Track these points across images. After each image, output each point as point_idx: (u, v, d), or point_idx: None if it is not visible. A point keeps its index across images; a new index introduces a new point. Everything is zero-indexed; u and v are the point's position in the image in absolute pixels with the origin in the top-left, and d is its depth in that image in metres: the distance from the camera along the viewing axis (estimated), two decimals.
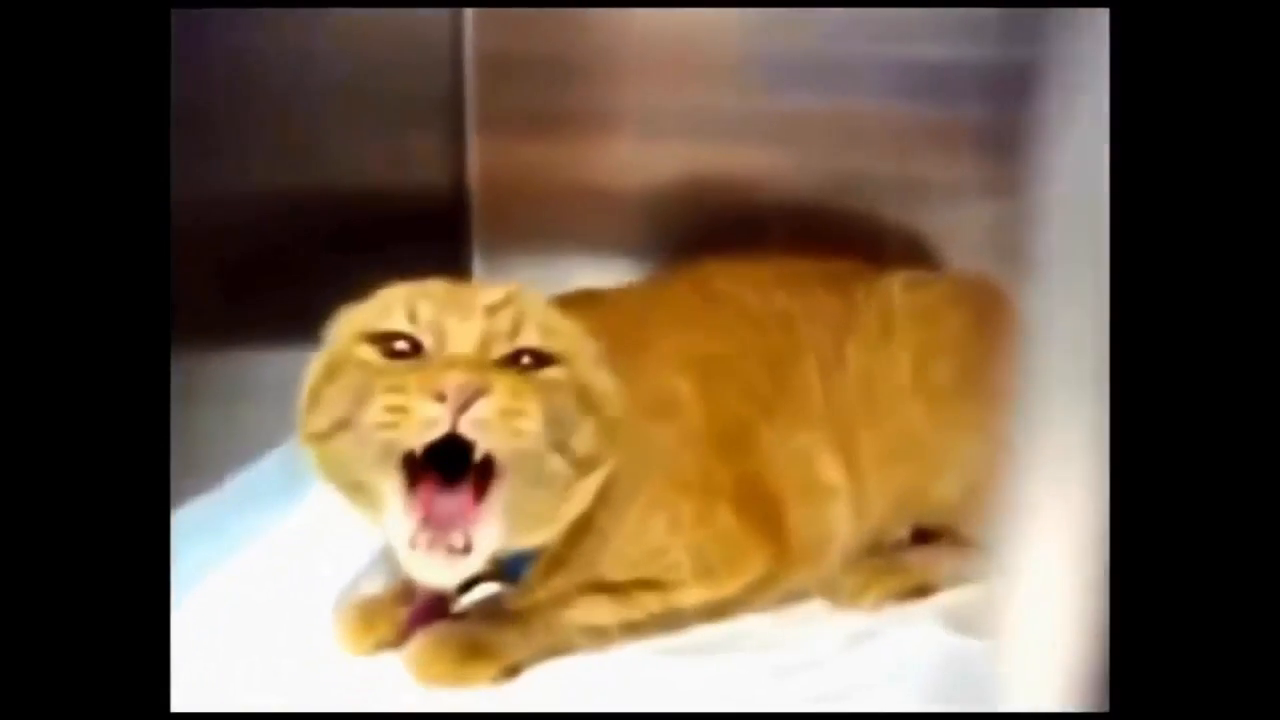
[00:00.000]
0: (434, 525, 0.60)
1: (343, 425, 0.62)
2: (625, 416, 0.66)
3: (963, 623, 0.73)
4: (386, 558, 0.76)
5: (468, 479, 0.60)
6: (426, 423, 0.58)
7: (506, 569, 0.69)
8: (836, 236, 1.05)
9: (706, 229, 1.07)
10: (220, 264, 0.80)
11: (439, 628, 0.69)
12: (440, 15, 1.07)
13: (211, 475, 0.80)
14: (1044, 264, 0.49)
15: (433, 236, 1.10)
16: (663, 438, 0.72)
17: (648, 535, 0.70)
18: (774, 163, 1.06)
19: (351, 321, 0.65)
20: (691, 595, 0.72)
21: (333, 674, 0.69)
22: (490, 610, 0.70)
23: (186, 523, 0.73)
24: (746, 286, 0.80)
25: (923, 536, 0.81)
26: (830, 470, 0.76)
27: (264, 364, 0.85)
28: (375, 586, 0.75)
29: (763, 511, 0.74)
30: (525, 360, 0.63)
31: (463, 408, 0.58)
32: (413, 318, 0.62)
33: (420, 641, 0.68)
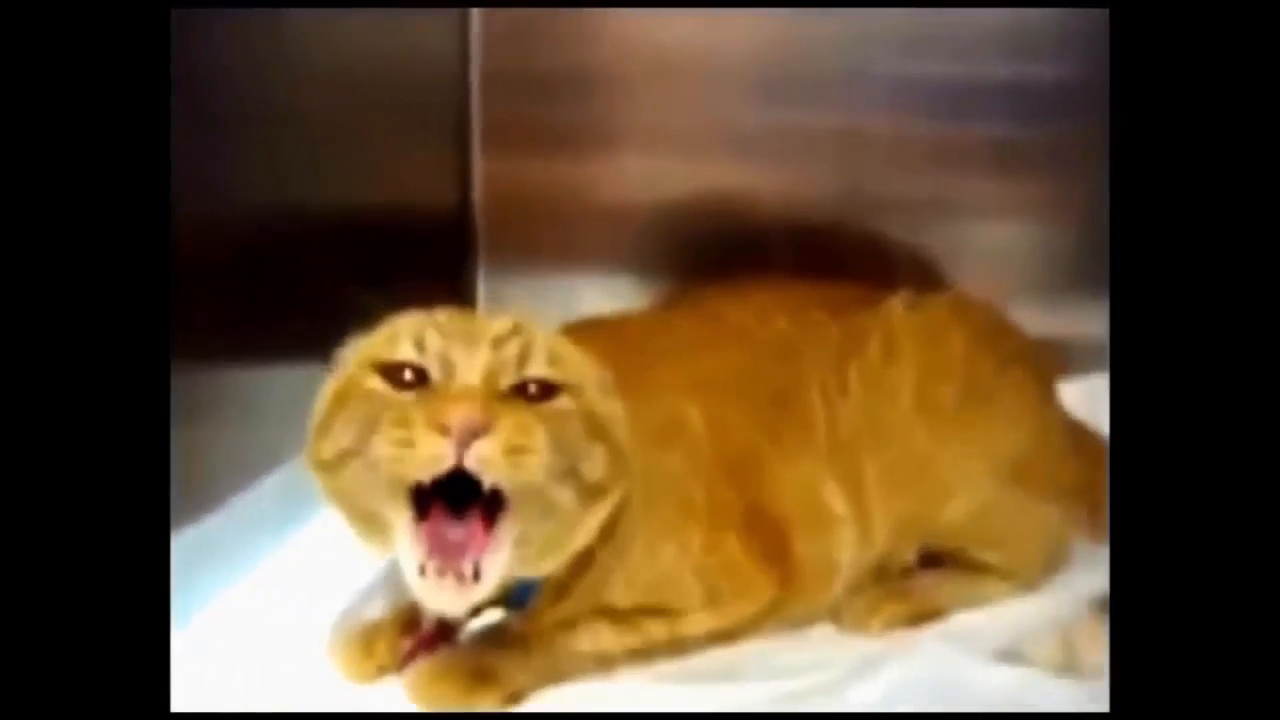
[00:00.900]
0: (443, 554, 0.60)
1: (351, 454, 0.62)
2: (633, 443, 0.66)
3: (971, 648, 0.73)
4: (386, 583, 0.76)
5: (476, 509, 0.60)
6: (432, 458, 0.58)
7: (513, 596, 0.68)
8: (843, 255, 1.05)
9: (713, 246, 1.06)
10: (222, 281, 0.80)
11: (443, 654, 0.69)
12: (446, 30, 1.07)
13: (214, 497, 0.79)
14: None
15: (437, 253, 1.09)
16: (671, 464, 0.71)
17: (657, 562, 0.70)
18: (781, 180, 1.06)
19: (360, 351, 0.65)
20: (698, 623, 0.71)
21: (334, 702, 0.68)
22: (495, 636, 0.70)
23: (189, 546, 0.73)
24: (749, 314, 0.80)
25: (931, 560, 0.81)
26: (835, 498, 0.76)
27: (266, 383, 0.84)
28: (374, 612, 0.74)
29: (769, 539, 0.73)
30: (532, 389, 0.62)
31: (467, 442, 0.57)
32: (420, 348, 0.62)
33: (424, 668, 0.68)
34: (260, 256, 0.84)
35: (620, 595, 0.70)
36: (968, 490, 0.78)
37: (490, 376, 0.61)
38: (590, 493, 0.64)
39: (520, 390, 0.62)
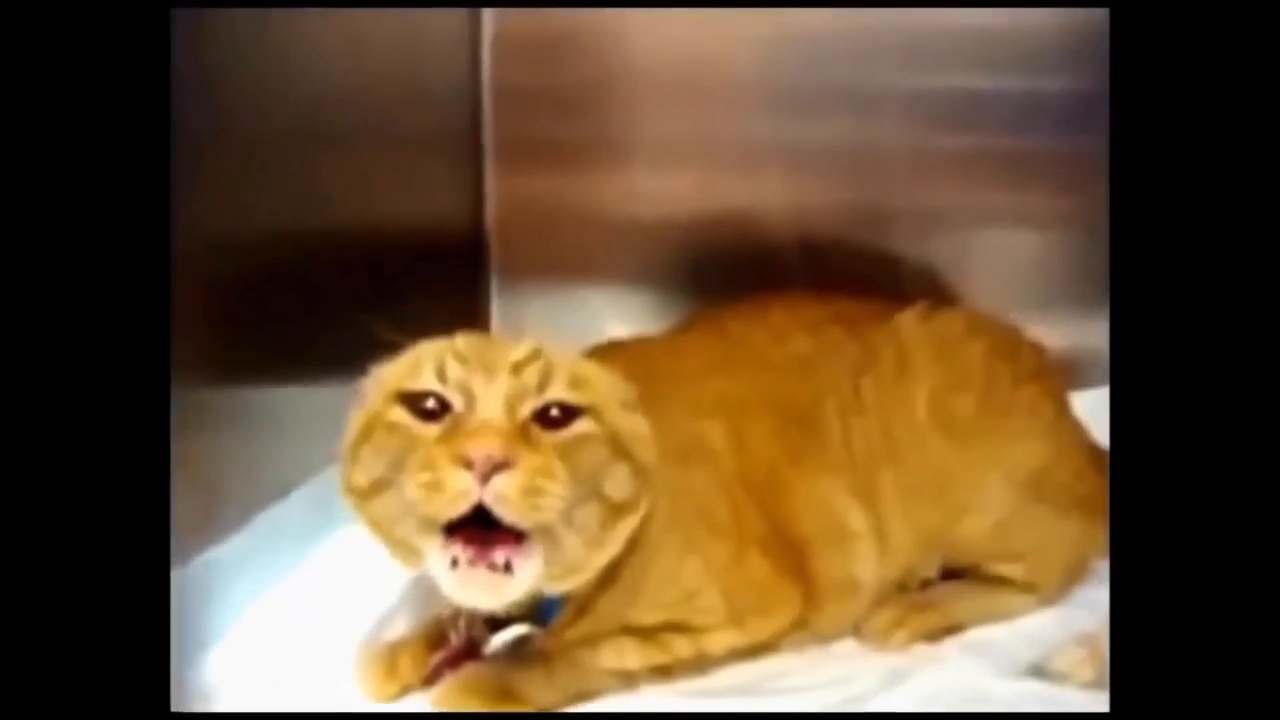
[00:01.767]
0: (475, 548, 0.61)
1: (382, 485, 0.63)
2: (657, 461, 0.66)
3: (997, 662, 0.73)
4: (410, 602, 0.76)
5: (503, 530, 0.61)
6: (458, 494, 0.59)
7: (537, 612, 0.68)
8: (855, 268, 1.05)
9: (726, 260, 1.07)
10: (235, 299, 0.80)
11: (467, 671, 0.69)
12: (458, 46, 1.07)
13: (233, 515, 0.79)
14: None
15: (451, 269, 1.10)
16: (694, 482, 0.72)
17: (682, 578, 0.70)
18: (793, 194, 1.06)
19: (383, 381, 0.66)
20: (721, 640, 0.72)
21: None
22: (519, 654, 0.70)
23: (215, 566, 0.73)
24: (766, 334, 0.80)
25: (950, 573, 0.81)
26: (853, 514, 0.76)
27: (282, 401, 0.84)
28: (398, 631, 0.74)
29: (790, 556, 0.74)
30: (554, 413, 0.63)
31: (488, 476, 0.59)
32: (442, 377, 0.63)
33: (449, 685, 0.68)
34: (273, 274, 0.84)
35: (644, 612, 0.70)
36: (986, 504, 0.78)
37: (511, 405, 0.62)
38: (615, 511, 0.64)
39: (542, 415, 0.63)
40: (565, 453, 0.62)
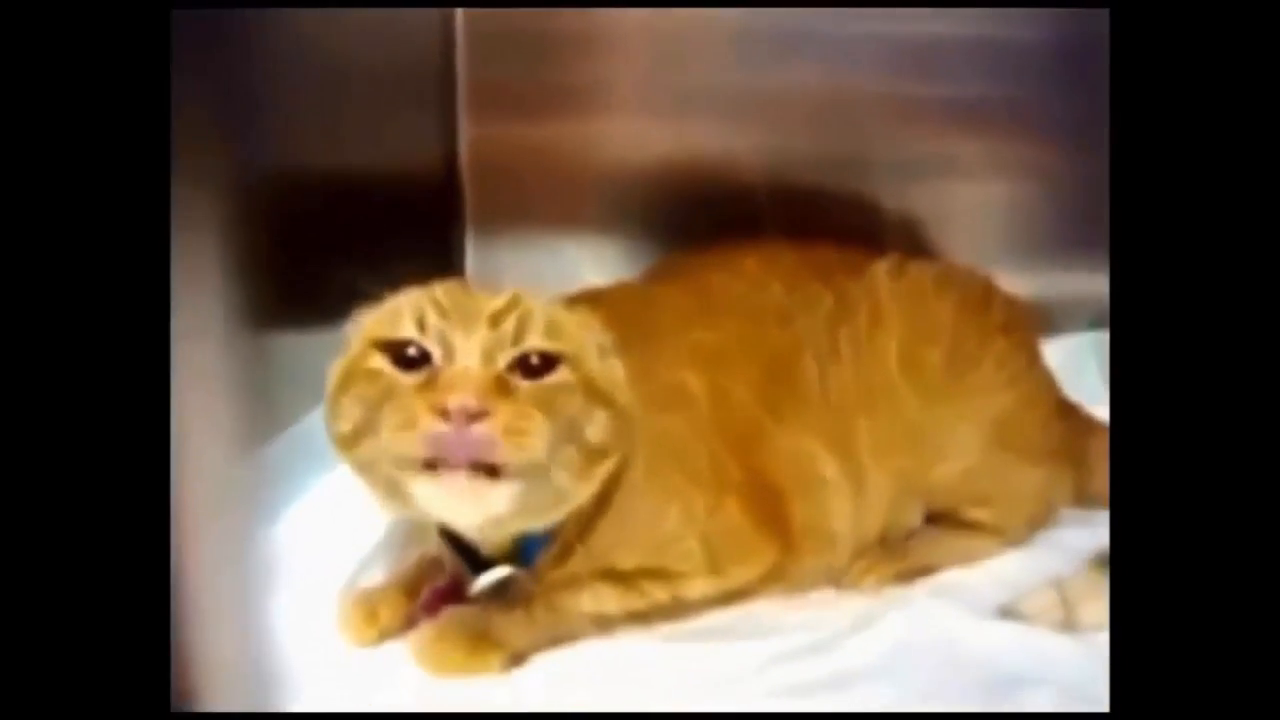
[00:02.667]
0: (455, 456, 0.61)
1: (364, 432, 0.64)
2: (636, 407, 0.67)
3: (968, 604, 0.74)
4: (388, 548, 0.76)
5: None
6: (433, 438, 0.60)
7: (520, 553, 0.69)
8: (829, 216, 1.05)
9: (699, 208, 1.07)
10: (213, 249, 0.79)
11: (446, 616, 0.70)
12: None
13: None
14: None
15: (425, 217, 1.09)
16: (673, 429, 0.72)
17: (662, 524, 0.71)
18: (768, 141, 1.06)
19: (364, 329, 0.67)
20: (698, 586, 0.73)
21: (338, 665, 0.69)
22: (498, 599, 0.70)
23: None
24: (743, 283, 0.80)
25: (929, 520, 0.82)
26: (829, 464, 0.77)
27: (259, 349, 0.84)
28: (376, 577, 0.75)
29: (767, 505, 0.74)
30: (533, 361, 0.64)
31: (465, 426, 0.60)
32: (421, 326, 0.64)
33: (428, 630, 0.69)
34: (245, 221, 0.83)
35: (623, 557, 0.71)
36: (955, 451, 0.79)
37: (489, 355, 0.63)
38: (593, 454, 0.65)
39: (520, 363, 0.63)
40: (543, 400, 0.63)
